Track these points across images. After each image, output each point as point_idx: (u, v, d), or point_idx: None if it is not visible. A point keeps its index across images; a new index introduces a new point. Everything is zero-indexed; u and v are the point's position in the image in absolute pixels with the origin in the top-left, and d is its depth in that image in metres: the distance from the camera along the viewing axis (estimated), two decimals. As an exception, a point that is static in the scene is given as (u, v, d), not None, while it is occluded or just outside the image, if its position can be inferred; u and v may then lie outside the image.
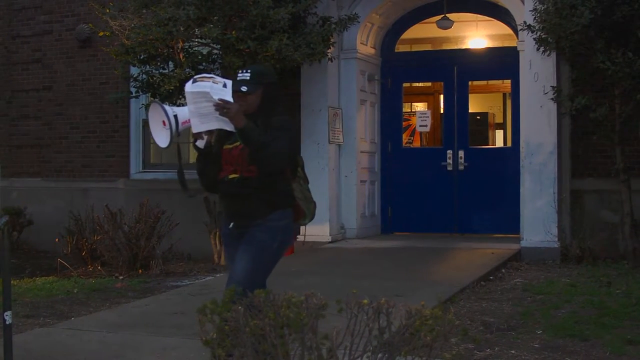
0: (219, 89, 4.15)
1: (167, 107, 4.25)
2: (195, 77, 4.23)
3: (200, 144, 4.32)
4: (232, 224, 4.38)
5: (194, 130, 4.23)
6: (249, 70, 4.38)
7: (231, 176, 4.32)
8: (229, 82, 4.24)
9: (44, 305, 7.30)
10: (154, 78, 9.55)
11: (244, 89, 4.30)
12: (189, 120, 4.19)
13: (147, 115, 4.34)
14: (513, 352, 5.26)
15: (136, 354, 4.87)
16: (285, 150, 4.28)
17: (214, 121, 4.16)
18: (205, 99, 4.11)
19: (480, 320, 6.13)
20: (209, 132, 4.29)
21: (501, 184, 10.77)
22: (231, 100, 4.15)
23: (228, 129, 4.18)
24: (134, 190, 11.38)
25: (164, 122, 4.22)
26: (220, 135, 4.35)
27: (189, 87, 4.17)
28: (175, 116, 4.20)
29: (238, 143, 4.29)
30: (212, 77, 4.20)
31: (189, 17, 8.63)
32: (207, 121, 4.17)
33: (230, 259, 4.50)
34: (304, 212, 4.53)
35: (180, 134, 4.33)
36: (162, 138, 4.27)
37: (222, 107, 4.09)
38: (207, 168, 4.38)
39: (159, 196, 10.13)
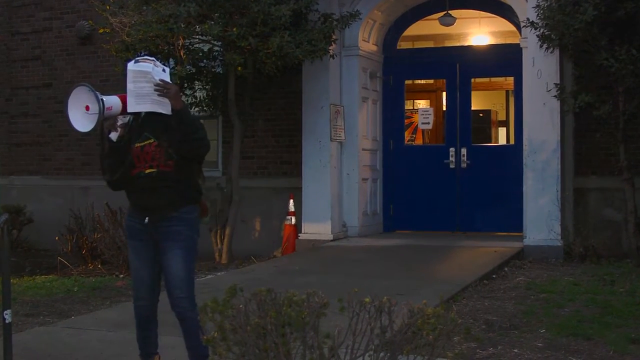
0: (159, 71, 4.27)
1: (96, 92, 4.28)
2: (138, 57, 4.37)
3: (114, 136, 4.39)
4: (146, 218, 4.46)
5: (129, 109, 4.31)
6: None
7: (148, 171, 4.42)
8: (167, 68, 4.38)
9: (44, 303, 7.28)
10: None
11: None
12: (112, 107, 4.27)
13: (67, 95, 4.33)
14: (516, 351, 5.23)
15: (136, 352, 4.84)
16: (207, 138, 4.49)
17: (148, 103, 4.27)
18: (145, 80, 4.23)
19: (483, 319, 6.10)
20: (123, 126, 4.39)
21: (504, 182, 10.72)
22: (170, 82, 4.31)
23: (162, 111, 4.29)
24: (134, 188, 11.32)
25: (87, 106, 4.26)
26: (130, 133, 4.43)
27: (131, 65, 4.28)
28: (102, 101, 4.23)
29: (152, 140, 4.41)
30: (153, 60, 4.33)
31: (190, 14, 8.59)
32: (142, 102, 4.27)
33: (136, 254, 4.57)
34: (207, 208, 4.79)
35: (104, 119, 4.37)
36: (82, 123, 4.29)
37: (163, 88, 4.23)
38: (118, 164, 4.43)
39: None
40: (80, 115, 4.28)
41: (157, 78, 4.23)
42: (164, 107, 4.27)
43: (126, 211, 4.74)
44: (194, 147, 4.38)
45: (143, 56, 4.49)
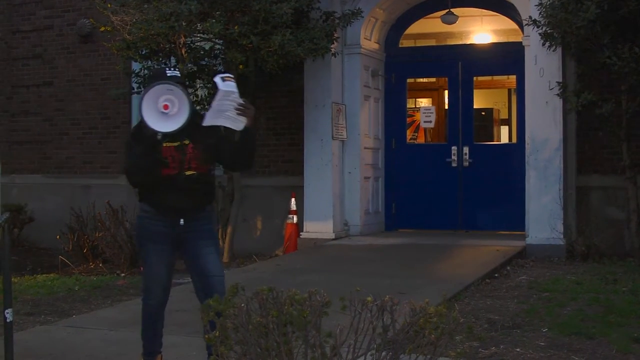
0: (236, 90, 4.37)
1: (186, 93, 4.33)
2: (222, 75, 4.42)
3: (160, 135, 4.39)
4: (182, 220, 4.51)
5: (205, 122, 4.37)
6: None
7: (188, 172, 4.48)
8: None
9: (45, 302, 7.26)
10: (156, 73, 9.51)
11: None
12: None
13: (143, 94, 4.30)
14: (518, 350, 5.21)
15: (137, 351, 4.82)
16: None
17: (222, 118, 4.36)
18: (228, 99, 4.31)
19: (485, 318, 6.08)
20: None
21: (506, 180, 10.70)
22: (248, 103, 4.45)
23: (234, 127, 4.37)
24: (136, 187, 11.31)
25: (165, 105, 4.25)
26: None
27: (221, 84, 4.32)
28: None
29: (187, 142, 4.46)
30: (232, 77, 4.41)
31: (191, 12, 8.57)
32: (216, 117, 4.35)
33: (158, 257, 4.56)
34: None
35: None
36: (162, 123, 4.25)
37: (245, 108, 4.35)
38: (157, 163, 4.43)
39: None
40: (157, 114, 4.25)
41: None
42: (235, 123, 4.36)
43: (141, 213, 4.60)
44: (250, 163, 4.68)
45: (225, 73, 4.56)
